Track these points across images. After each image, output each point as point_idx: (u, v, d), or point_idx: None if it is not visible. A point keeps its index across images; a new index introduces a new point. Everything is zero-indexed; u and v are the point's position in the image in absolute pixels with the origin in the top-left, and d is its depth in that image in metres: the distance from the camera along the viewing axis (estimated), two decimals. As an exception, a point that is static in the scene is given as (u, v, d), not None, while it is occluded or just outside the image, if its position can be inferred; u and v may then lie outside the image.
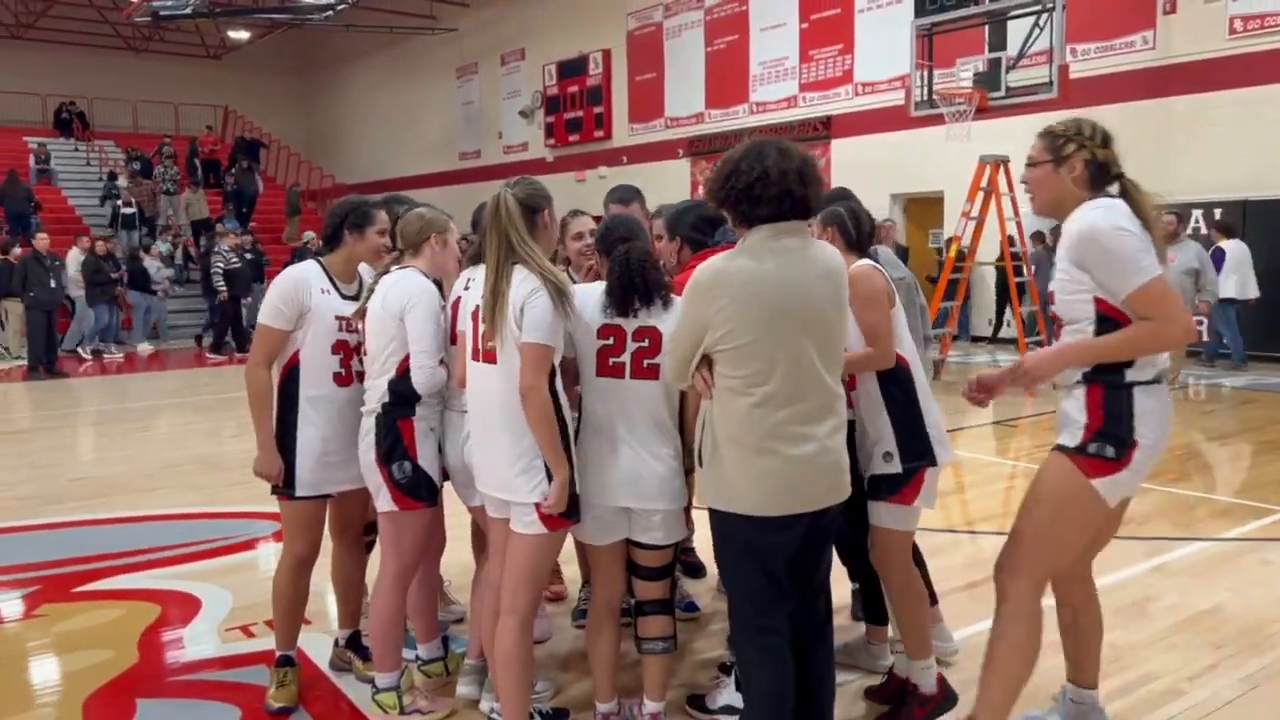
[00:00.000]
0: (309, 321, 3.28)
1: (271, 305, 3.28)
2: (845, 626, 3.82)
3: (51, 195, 21.96)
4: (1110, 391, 2.60)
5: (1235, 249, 10.79)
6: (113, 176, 22.38)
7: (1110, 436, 2.59)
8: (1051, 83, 10.08)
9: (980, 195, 10.29)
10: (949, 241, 12.63)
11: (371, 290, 3.24)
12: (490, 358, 2.81)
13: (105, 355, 15.65)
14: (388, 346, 3.14)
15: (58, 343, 14.22)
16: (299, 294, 3.27)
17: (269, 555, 5.26)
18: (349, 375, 3.33)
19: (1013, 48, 10.75)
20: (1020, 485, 6.57)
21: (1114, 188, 2.69)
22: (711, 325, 2.49)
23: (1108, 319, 2.57)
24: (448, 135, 25.06)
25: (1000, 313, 13.89)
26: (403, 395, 3.13)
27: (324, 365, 3.30)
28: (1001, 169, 10.28)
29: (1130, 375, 2.59)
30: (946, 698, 3.22)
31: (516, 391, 2.72)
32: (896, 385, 3.12)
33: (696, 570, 4.62)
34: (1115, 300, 2.54)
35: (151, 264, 16.88)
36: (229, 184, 21.91)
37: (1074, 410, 2.65)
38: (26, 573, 5.03)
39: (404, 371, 3.12)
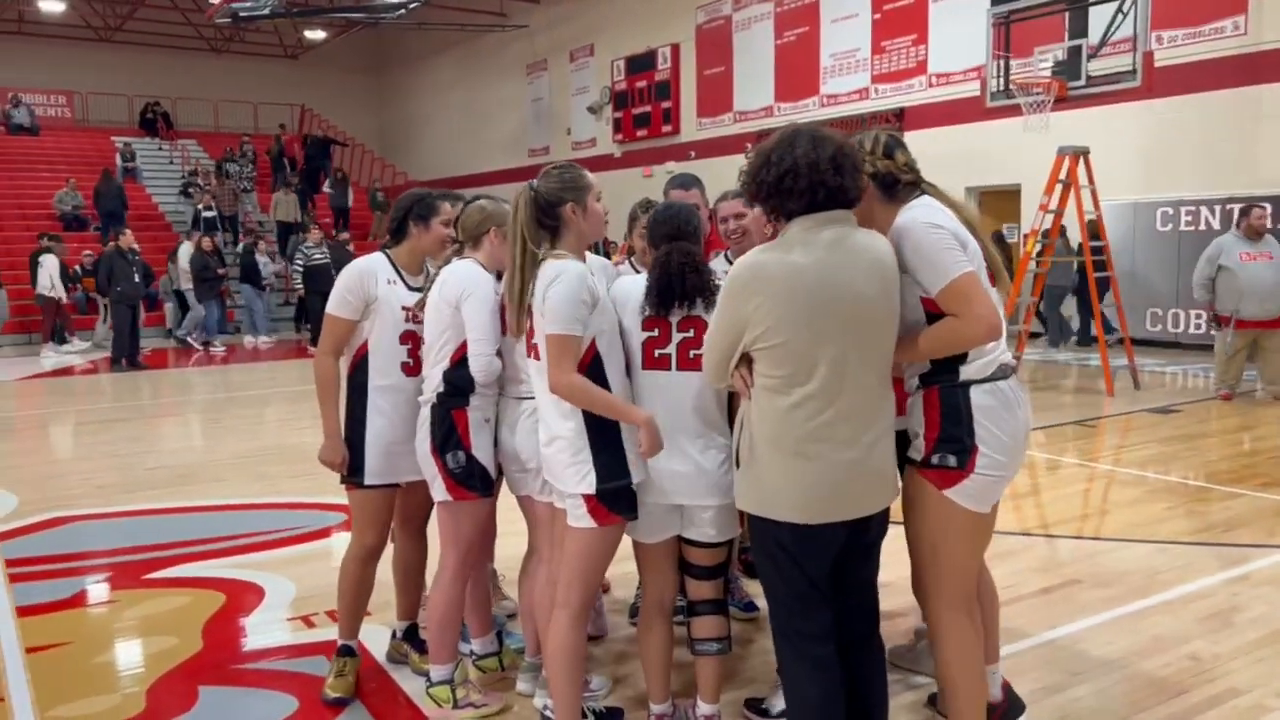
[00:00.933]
0: (375, 311, 3.32)
1: (338, 295, 3.32)
2: (905, 630, 3.71)
3: (136, 193, 22.66)
4: (945, 393, 2.57)
5: None
6: (191, 177, 22.95)
7: (949, 444, 2.56)
8: (1135, 71, 9.69)
9: (1059, 188, 9.95)
10: (1027, 235, 12.27)
11: (432, 280, 3.26)
12: (534, 353, 2.84)
13: (212, 348, 16.10)
14: (443, 335, 3.14)
15: (140, 336, 14.65)
16: (364, 284, 3.31)
17: (332, 546, 5.32)
18: (417, 365, 3.33)
19: (1094, 35, 10.36)
20: (1096, 488, 6.34)
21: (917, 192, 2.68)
22: (749, 323, 2.41)
23: (934, 318, 2.54)
24: (517, 131, 25.23)
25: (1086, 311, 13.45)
26: (457, 385, 3.12)
27: (392, 355, 3.33)
28: (1081, 161, 9.92)
29: (965, 374, 2.56)
30: (1013, 705, 3.09)
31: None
32: None
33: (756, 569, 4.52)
34: (930, 294, 2.52)
35: (261, 259, 17.33)
36: (294, 183, 22.26)
37: (915, 420, 2.63)
38: (102, 559, 5.18)
39: (458, 360, 3.11)
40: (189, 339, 16.32)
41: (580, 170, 2.89)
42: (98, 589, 4.68)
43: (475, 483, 3.15)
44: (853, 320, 2.38)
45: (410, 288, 3.38)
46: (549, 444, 2.83)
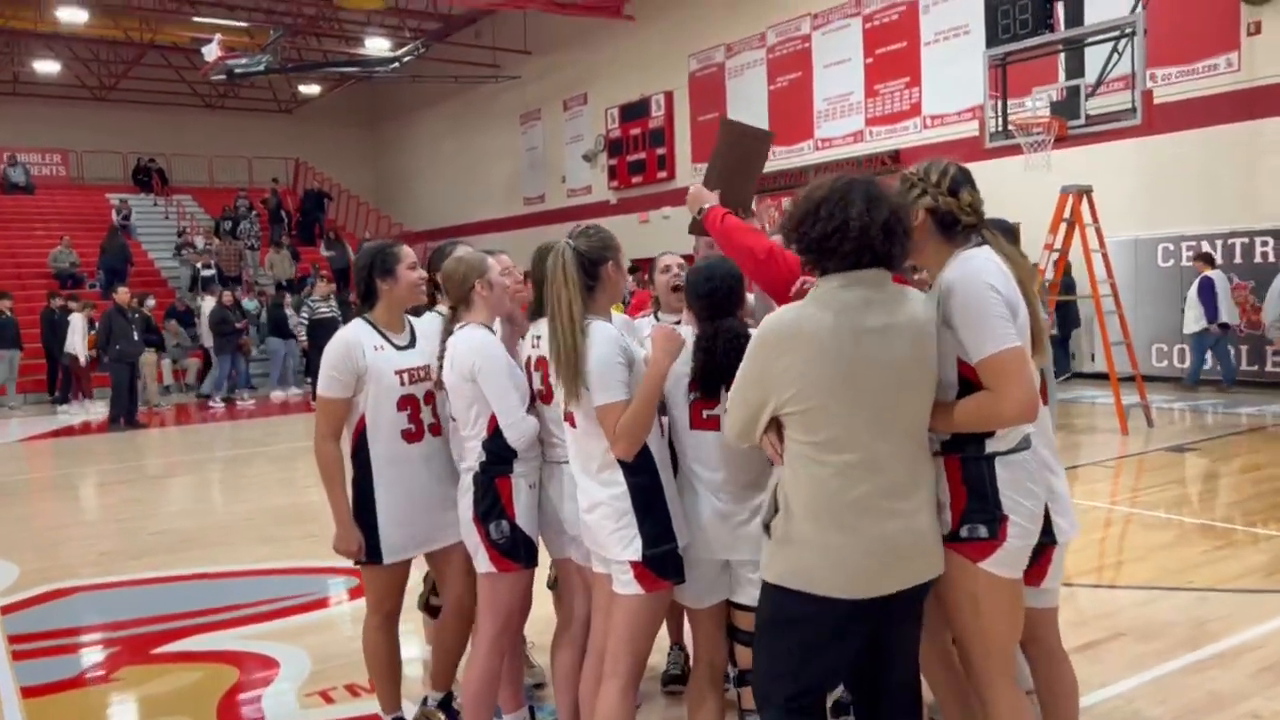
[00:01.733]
0: (368, 383, 3.17)
1: (326, 375, 3.18)
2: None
3: (132, 249, 22.60)
4: (969, 464, 2.43)
5: (1220, 278, 11.40)
6: (181, 234, 22.65)
7: (977, 514, 2.42)
8: (1135, 109, 9.71)
9: (1063, 227, 9.94)
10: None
11: (442, 354, 3.14)
12: (570, 420, 2.75)
13: (237, 402, 15.98)
14: (471, 409, 3.03)
15: (139, 394, 14.50)
16: (351, 357, 3.17)
17: (344, 614, 5.16)
18: (419, 430, 3.22)
19: (1091, 74, 10.41)
20: (1125, 531, 6.21)
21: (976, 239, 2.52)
22: (778, 384, 2.28)
23: (969, 384, 2.40)
24: (512, 180, 25.31)
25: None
26: (498, 453, 3.01)
27: (392, 424, 3.21)
28: (1085, 199, 9.92)
29: (990, 446, 2.42)
30: None
31: (599, 449, 2.66)
32: None
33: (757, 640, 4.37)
34: (969, 359, 2.38)
35: (288, 310, 17.32)
36: (285, 242, 22.22)
37: (940, 490, 2.46)
38: (108, 632, 5.00)
39: (494, 430, 3.00)
40: (212, 397, 16.14)
41: (609, 231, 2.84)
42: (105, 666, 4.50)
43: (519, 553, 3.03)
44: (891, 384, 2.27)
45: (399, 347, 3.26)
46: (590, 510, 2.73)
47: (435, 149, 28.66)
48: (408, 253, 3.30)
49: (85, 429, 13.90)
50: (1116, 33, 10.04)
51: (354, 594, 5.49)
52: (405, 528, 3.20)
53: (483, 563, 3.05)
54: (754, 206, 3.38)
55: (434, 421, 3.25)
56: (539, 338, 2.88)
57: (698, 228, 3.16)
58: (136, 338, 13.92)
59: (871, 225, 2.23)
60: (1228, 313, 11.33)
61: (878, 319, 2.26)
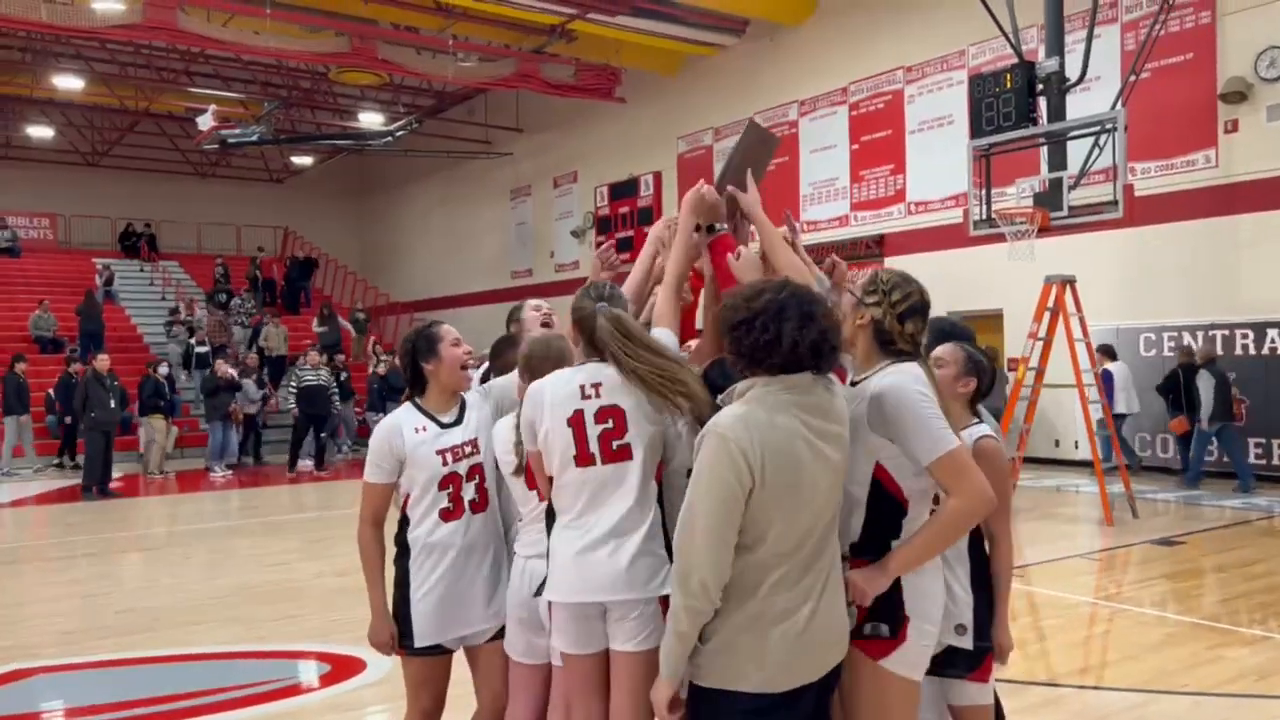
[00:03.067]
0: (410, 466, 3.14)
1: (369, 462, 3.20)
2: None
3: (116, 315, 22.52)
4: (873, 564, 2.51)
5: (1120, 369, 12.05)
6: (174, 312, 22.33)
7: (881, 613, 2.48)
8: (1116, 202, 9.88)
9: (1047, 315, 10.02)
10: (1011, 361, 12.31)
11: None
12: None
13: (212, 474, 15.60)
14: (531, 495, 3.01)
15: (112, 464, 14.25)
16: (392, 444, 3.15)
17: (311, 701, 4.97)
18: (458, 508, 3.14)
19: (1073, 166, 10.62)
20: (1103, 629, 6.11)
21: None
22: (753, 488, 2.26)
23: (880, 486, 2.49)
24: (500, 254, 25.47)
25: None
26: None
27: (432, 504, 3.14)
28: (1068, 288, 10.03)
29: (895, 545, 2.50)
30: None
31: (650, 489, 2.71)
32: (977, 555, 2.86)
33: None
34: (919, 462, 2.45)
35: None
36: (275, 315, 22.12)
37: (843, 590, 2.52)
38: (67, 718, 4.80)
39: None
40: (212, 468, 15.83)
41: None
42: (60, 757, 4.31)
43: None
44: (828, 487, 2.34)
45: (444, 425, 3.19)
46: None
47: (424, 221, 28.89)
48: (449, 330, 3.27)
49: (58, 497, 13.62)
50: (1098, 128, 10.28)
51: (325, 680, 5.31)
52: (438, 613, 3.10)
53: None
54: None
55: (475, 498, 3.16)
56: (598, 384, 2.74)
57: (703, 237, 3.16)
58: (113, 405, 13.73)
59: (801, 344, 2.30)
60: (1125, 403, 11.92)
61: (820, 423, 2.32)
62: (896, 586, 2.48)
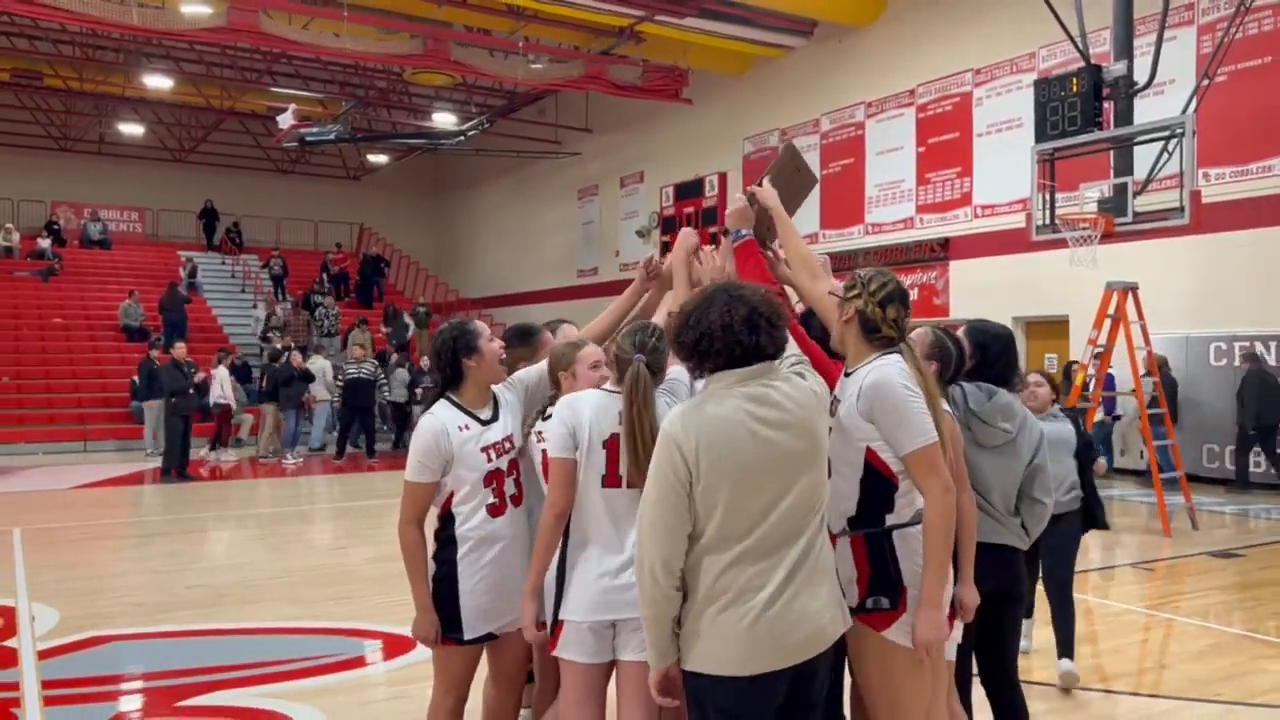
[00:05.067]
0: (458, 465, 3.18)
1: (415, 462, 3.18)
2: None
3: (197, 306, 23.40)
4: (871, 540, 2.69)
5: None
6: (269, 325, 22.04)
7: (880, 586, 2.66)
8: (1183, 208, 9.70)
9: (1107, 323, 9.89)
10: (1069, 367, 12.10)
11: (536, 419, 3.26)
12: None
13: (285, 460, 16.07)
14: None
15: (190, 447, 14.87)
16: (439, 445, 3.17)
17: (363, 677, 5.24)
18: (503, 503, 3.22)
19: (1140, 171, 10.45)
20: (1156, 637, 6.07)
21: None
22: (695, 480, 2.37)
23: (872, 469, 2.67)
24: (567, 253, 25.81)
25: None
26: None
27: (479, 500, 3.20)
28: (1130, 295, 9.88)
29: (889, 520, 2.69)
30: None
31: None
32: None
33: None
34: (897, 452, 2.65)
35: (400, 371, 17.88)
36: (325, 313, 22.57)
37: (845, 568, 2.69)
38: (137, 682, 5.15)
39: None
40: (285, 455, 16.33)
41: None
42: (131, 716, 4.63)
43: None
44: (783, 473, 2.39)
45: (483, 422, 3.25)
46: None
47: (495, 219, 29.40)
48: (484, 327, 3.36)
49: (137, 479, 14.27)
50: (1166, 133, 10.10)
51: (377, 656, 5.58)
52: (488, 604, 3.18)
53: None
54: (774, 245, 3.46)
55: (515, 492, 3.26)
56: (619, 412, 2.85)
57: (729, 243, 3.31)
58: (191, 392, 14.33)
59: (734, 322, 2.39)
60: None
61: (768, 411, 2.39)
62: (894, 559, 2.65)
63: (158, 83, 22.98)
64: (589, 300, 23.32)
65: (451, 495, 3.21)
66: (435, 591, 3.19)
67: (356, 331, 20.68)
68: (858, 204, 17.64)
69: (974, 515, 3.05)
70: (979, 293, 15.05)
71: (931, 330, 3.24)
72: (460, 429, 3.20)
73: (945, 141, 16.21)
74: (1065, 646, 4.84)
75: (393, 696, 4.88)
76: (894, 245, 16.66)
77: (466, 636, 3.17)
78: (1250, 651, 5.55)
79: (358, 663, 5.50)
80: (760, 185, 3.34)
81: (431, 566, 3.22)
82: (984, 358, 3.52)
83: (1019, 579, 3.43)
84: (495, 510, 3.20)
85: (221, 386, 16.42)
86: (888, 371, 2.69)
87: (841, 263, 17.50)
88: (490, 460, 3.20)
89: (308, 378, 16.75)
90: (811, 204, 18.62)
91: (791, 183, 3.50)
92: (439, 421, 3.21)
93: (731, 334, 2.40)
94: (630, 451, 2.77)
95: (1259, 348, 11.78)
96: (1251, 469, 11.85)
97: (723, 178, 20.72)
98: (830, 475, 2.59)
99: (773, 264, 3.36)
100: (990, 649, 3.44)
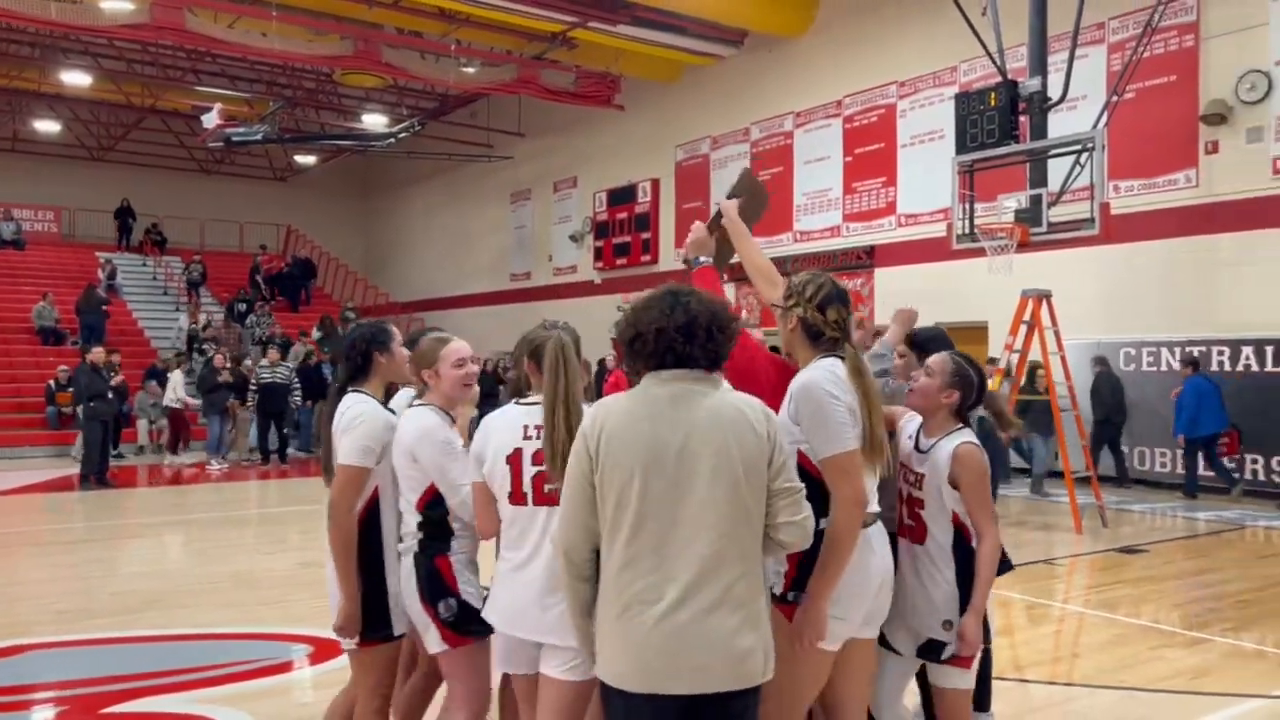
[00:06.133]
0: (387, 454, 3.20)
1: (361, 447, 3.13)
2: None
3: (117, 308, 22.78)
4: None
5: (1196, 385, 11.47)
6: (194, 339, 21.45)
7: (801, 581, 2.71)
8: (1093, 219, 10.14)
9: (1023, 329, 10.27)
10: (993, 374, 12.49)
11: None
12: (554, 499, 2.73)
13: (209, 466, 15.75)
14: (405, 483, 3.16)
15: (110, 454, 14.51)
16: (387, 429, 3.19)
17: (294, 681, 5.22)
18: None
19: (1054, 183, 10.88)
20: (1058, 630, 6.35)
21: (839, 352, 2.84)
22: (595, 469, 2.38)
23: (804, 471, 2.67)
24: (500, 257, 25.75)
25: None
26: (433, 530, 3.12)
27: (397, 495, 3.23)
28: (1045, 303, 10.27)
29: (824, 523, 2.68)
30: None
31: None
32: (964, 554, 3.10)
33: None
34: (814, 457, 2.72)
35: (327, 368, 17.58)
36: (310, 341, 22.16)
37: (780, 558, 2.74)
38: (57, 691, 5.05)
39: (425, 504, 3.11)
40: (211, 460, 16.00)
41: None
42: (51, 724, 4.56)
43: (473, 626, 3.07)
44: (682, 482, 2.31)
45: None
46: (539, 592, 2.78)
47: (426, 222, 29.18)
48: (398, 333, 3.45)
49: (57, 485, 13.87)
50: (1078, 146, 10.53)
51: (309, 661, 5.56)
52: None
53: (434, 643, 3.08)
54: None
55: None
56: (540, 426, 2.81)
57: (687, 269, 3.41)
58: (110, 396, 13.99)
59: (669, 328, 2.37)
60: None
61: (680, 415, 2.34)
62: (814, 563, 2.70)
63: (75, 79, 22.35)
64: (522, 305, 23.34)
65: (376, 490, 3.19)
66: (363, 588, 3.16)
67: (298, 346, 20.02)
68: (786, 212, 17.96)
69: (993, 551, 3.07)
70: (903, 299, 15.25)
71: (951, 358, 3.24)
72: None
73: (871, 152, 16.61)
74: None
75: (321, 700, 4.83)
76: (821, 253, 17.00)
77: (397, 632, 3.20)
78: (1151, 641, 5.85)
79: (286, 667, 5.48)
80: (724, 202, 3.44)
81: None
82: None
83: None
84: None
85: (175, 390, 16.44)
86: (815, 375, 2.75)
87: (771, 269, 17.82)
88: None
89: (231, 384, 16.44)
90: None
91: (748, 204, 3.62)
92: (378, 407, 3.25)
93: (665, 338, 2.38)
94: (546, 437, 2.75)
95: (1148, 351, 12.34)
96: (1157, 468, 12.39)
97: (655, 184, 20.91)
98: None
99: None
100: None
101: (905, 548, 3.17)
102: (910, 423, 3.31)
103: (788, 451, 2.46)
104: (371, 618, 3.15)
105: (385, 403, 3.39)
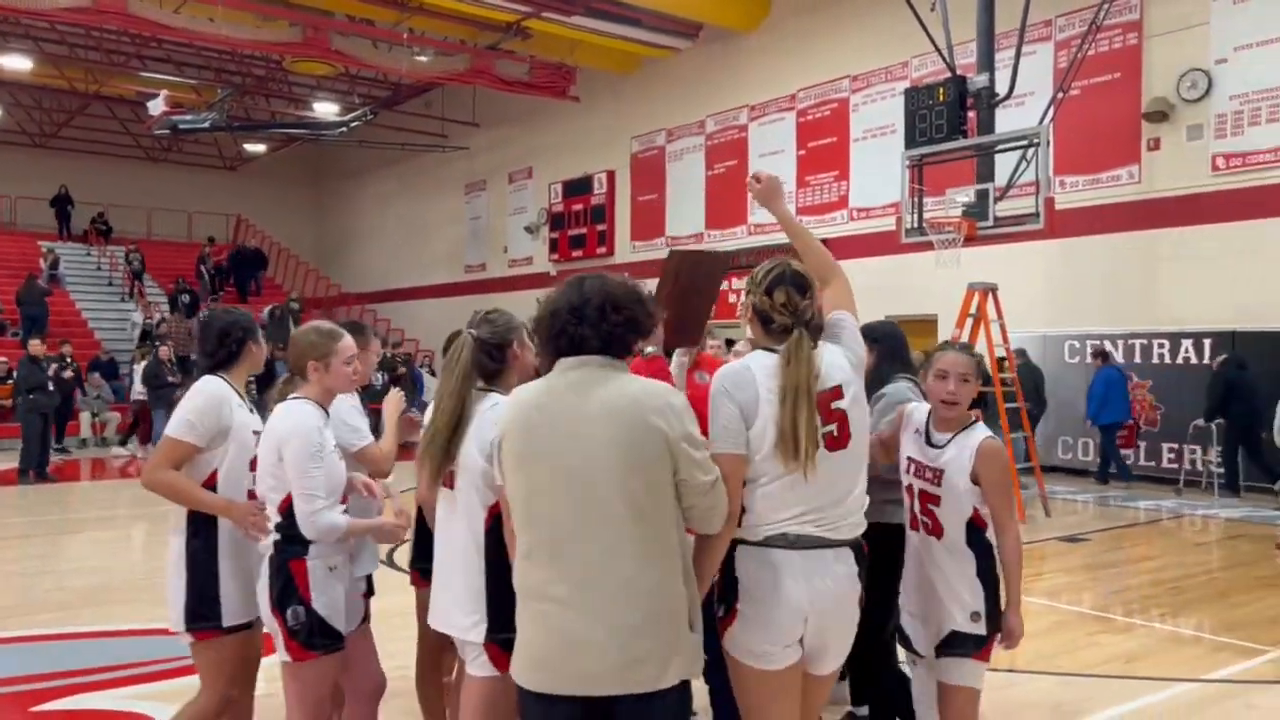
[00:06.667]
0: (229, 439, 3.17)
1: (183, 419, 3.13)
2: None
3: (59, 299, 22.27)
4: (732, 548, 2.58)
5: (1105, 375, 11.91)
6: (147, 336, 20.69)
7: (722, 595, 2.59)
8: (1038, 214, 10.31)
9: (969, 321, 10.41)
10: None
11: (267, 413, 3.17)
12: (449, 482, 2.77)
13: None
14: (266, 482, 3.02)
15: (51, 446, 14.21)
16: (221, 411, 3.17)
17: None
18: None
19: (1001, 178, 11.04)
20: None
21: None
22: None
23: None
24: (454, 248, 25.56)
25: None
26: (291, 535, 2.96)
27: (244, 483, 3.19)
28: (990, 296, 10.42)
29: (738, 533, 2.55)
30: None
31: (471, 524, 2.69)
32: (981, 546, 3.04)
33: None
34: None
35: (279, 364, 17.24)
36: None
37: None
38: (-11, 688, 4.94)
39: (285, 509, 2.97)
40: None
41: (509, 313, 2.99)
42: (-19, 722, 4.46)
43: (316, 641, 2.94)
44: (578, 473, 2.22)
45: (250, 410, 3.31)
46: (450, 585, 2.76)
47: (379, 213, 28.86)
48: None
49: (-7, 480, 13.54)
50: (1024, 142, 10.69)
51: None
52: (247, 589, 3.10)
53: (280, 651, 2.97)
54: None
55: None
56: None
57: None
58: (51, 389, 13.69)
59: (562, 310, 2.31)
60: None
61: (576, 402, 2.26)
62: (733, 576, 2.56)
63: (15, 64, 21.71)
64: (477, 297, 23.15)
65: (215, 474, 3.17)
66: (190, 583, 3.15)
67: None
68: (741, 205, 18.03)
69: (1016, 542, 3.03)
70: (855, 293, 15.52)
71: (969, 353, 3.21)
72: (237, 406, 3.25)
73: (824, 146, 16.72)
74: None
75: (260, 694, 4.81)
76: (776, 246, 17.04)
77: (225, 623, 3.15)
78: (1089, 628, 5.98)
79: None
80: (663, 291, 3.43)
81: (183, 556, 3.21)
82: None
83: None
84: (254, 495, 3.17)
85: (137, 382, 16.35)
86: (722, 371, 2.65)
87: (725, 262, 17.89)
88: (256, 446, 3.15)
89: (177, 382, 16.19)
90: (697, 205, 18.96)
91: (697, 278, 3.51)
92: (221, 389, 3.23)
93: (559, 320, 2.32)
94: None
95: (1084, 344, 12.60)
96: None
97: (610, 176, 20.87)
98: None
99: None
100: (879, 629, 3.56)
101: (920, 543, 3.10)
102: (916, 415, 3.22)
103: (699, 440, 2.32)
104: (202, 609, 3.11)
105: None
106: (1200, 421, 11.26)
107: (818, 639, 2.57)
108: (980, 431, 3.08)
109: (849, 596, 2.58)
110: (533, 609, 2.26)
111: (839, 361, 2.66)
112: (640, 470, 2.21)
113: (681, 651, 2.25)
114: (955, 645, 3.01)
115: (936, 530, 3.05)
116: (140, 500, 12.04)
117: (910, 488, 3.14)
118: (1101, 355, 12.13)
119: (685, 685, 2.30)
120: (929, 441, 3.11)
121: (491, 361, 2.84)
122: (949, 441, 3.07)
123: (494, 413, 2.66)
